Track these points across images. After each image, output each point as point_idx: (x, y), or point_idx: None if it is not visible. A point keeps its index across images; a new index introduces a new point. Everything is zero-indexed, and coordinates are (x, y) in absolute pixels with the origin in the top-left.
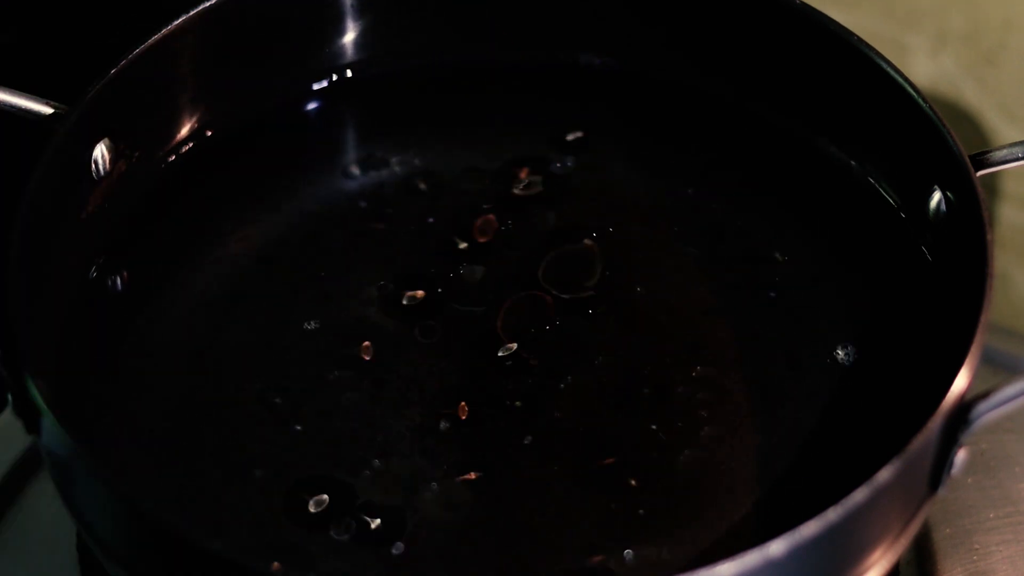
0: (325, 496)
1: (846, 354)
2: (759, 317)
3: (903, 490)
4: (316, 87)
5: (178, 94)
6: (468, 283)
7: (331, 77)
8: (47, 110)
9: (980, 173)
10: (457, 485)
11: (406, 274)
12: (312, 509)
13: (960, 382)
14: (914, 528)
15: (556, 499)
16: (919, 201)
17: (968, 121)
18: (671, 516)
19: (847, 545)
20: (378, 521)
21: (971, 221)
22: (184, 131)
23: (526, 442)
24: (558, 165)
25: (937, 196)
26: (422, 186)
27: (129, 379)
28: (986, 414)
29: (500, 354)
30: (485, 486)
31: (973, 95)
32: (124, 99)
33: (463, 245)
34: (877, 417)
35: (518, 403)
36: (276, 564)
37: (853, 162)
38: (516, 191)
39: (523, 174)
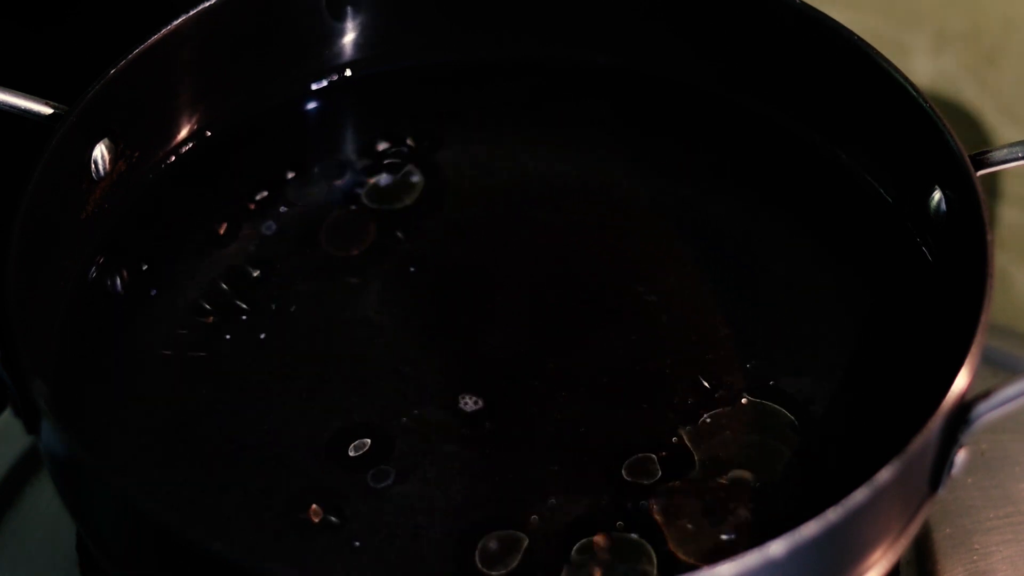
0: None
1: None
2: (759, 317)
3: (903, 490)
4: (316, 87)
5: (178, 94)
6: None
7: (331, 77)
8: (47, 110)
9: (980, 173)
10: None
11: (407, 274)
12: (313, 512)
13: (960, 382)
14: (914, 528)
15: (555, 497)
16: (919, 201)
17: (968, 121)
18: (671, 516)
19: (847, 545)
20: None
21: (971, 221)
22: (184, 131)
23: (523, 442)
24: (558, 165)
25: (937, 196)
26: (422, 185)
27: (129, 379)
28: (986, 414)
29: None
30: (481, 479)
31: (973, 95)
32: (124, 99)
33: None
34: (877, 417)
35: (523, 401)
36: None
37: (853, 162)
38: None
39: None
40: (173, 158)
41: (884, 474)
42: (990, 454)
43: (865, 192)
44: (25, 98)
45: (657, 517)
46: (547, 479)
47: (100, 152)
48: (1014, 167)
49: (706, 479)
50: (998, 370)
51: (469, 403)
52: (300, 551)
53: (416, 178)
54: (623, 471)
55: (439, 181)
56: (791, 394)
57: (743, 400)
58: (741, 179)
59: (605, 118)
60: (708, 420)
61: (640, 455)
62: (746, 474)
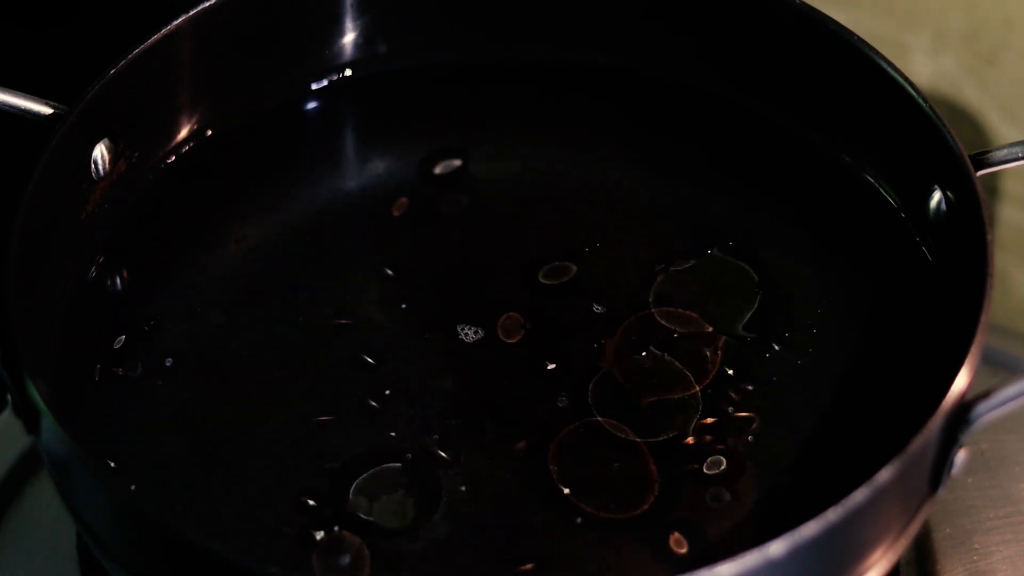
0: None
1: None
2: (759, 317)
3: (903, 490)
4: (316, 87)
5: (178, 94)
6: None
7: (331, 77)
8: (47, 110)
9: (980, 173)
10: (460, 495)
11: (407, 274)
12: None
13: (960, 382)
14: (914, 528)
15: (556, 503)
16: (919, 201)
17: (968, 121)
18: (671, 516)
19: (847, 545)
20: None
21: (971, 221)
22: (184, 131)
23: (520, 446)
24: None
25: (937, 196)
26: (422, 186)
27: (129, 379)
28: (986, 414)
29: (511, 341)
30: (478, 484)
31: (973, 95)
32: (124, 99)
33: (461, 242)
34: (877, 417)
35: (522, 402)
36: None
37: (853, 162)
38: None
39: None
40: (173, 158)
41: (884, 474)
42: (990, 454)
43: (865, 192)
44: (25, 98)
45: None
46: (547, 477)
47: (100, 152)
48: (1014, 167)
49: (705, 479)
50: (998, 370)
51: (469, 403)
52: (299, 551)
53: (416, 178)
54: (623, 472)
55: (439, 181)
56: (791, 394)
57: (742, 400)
58: (741, 179)
59: (605, 118)
60: (707, 419)
61: (639, 455)
62: (746, 473)
